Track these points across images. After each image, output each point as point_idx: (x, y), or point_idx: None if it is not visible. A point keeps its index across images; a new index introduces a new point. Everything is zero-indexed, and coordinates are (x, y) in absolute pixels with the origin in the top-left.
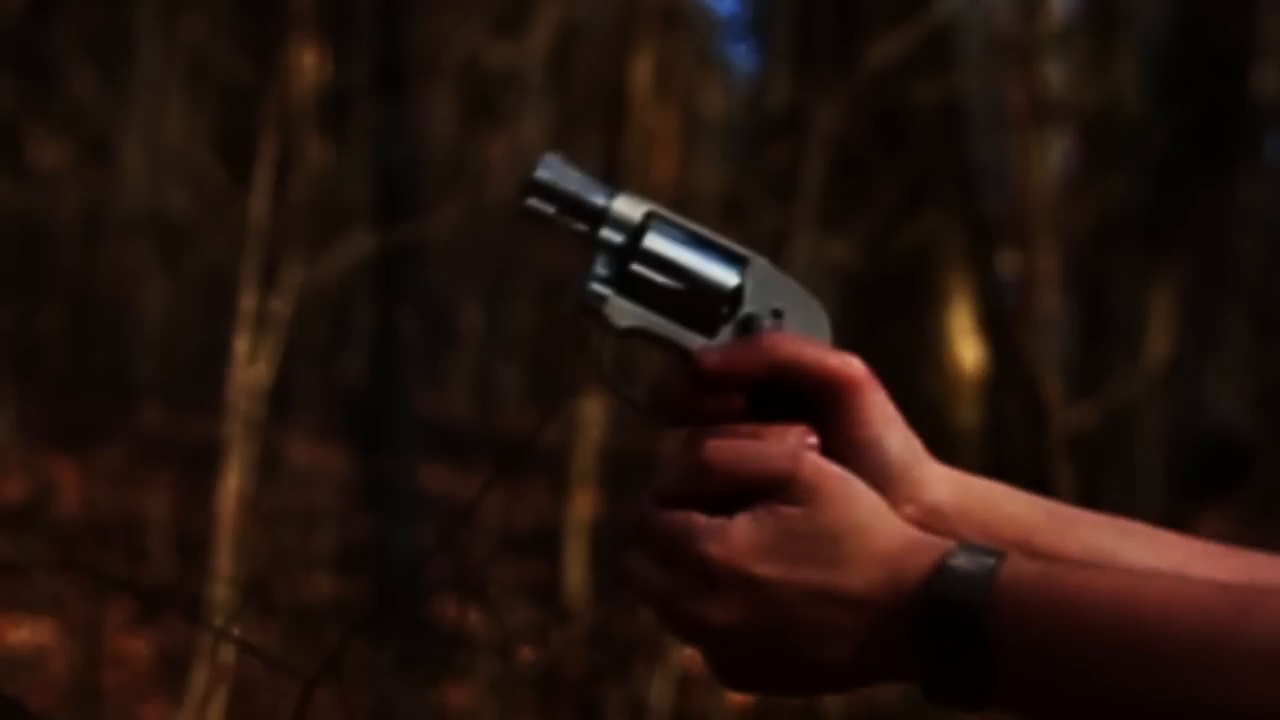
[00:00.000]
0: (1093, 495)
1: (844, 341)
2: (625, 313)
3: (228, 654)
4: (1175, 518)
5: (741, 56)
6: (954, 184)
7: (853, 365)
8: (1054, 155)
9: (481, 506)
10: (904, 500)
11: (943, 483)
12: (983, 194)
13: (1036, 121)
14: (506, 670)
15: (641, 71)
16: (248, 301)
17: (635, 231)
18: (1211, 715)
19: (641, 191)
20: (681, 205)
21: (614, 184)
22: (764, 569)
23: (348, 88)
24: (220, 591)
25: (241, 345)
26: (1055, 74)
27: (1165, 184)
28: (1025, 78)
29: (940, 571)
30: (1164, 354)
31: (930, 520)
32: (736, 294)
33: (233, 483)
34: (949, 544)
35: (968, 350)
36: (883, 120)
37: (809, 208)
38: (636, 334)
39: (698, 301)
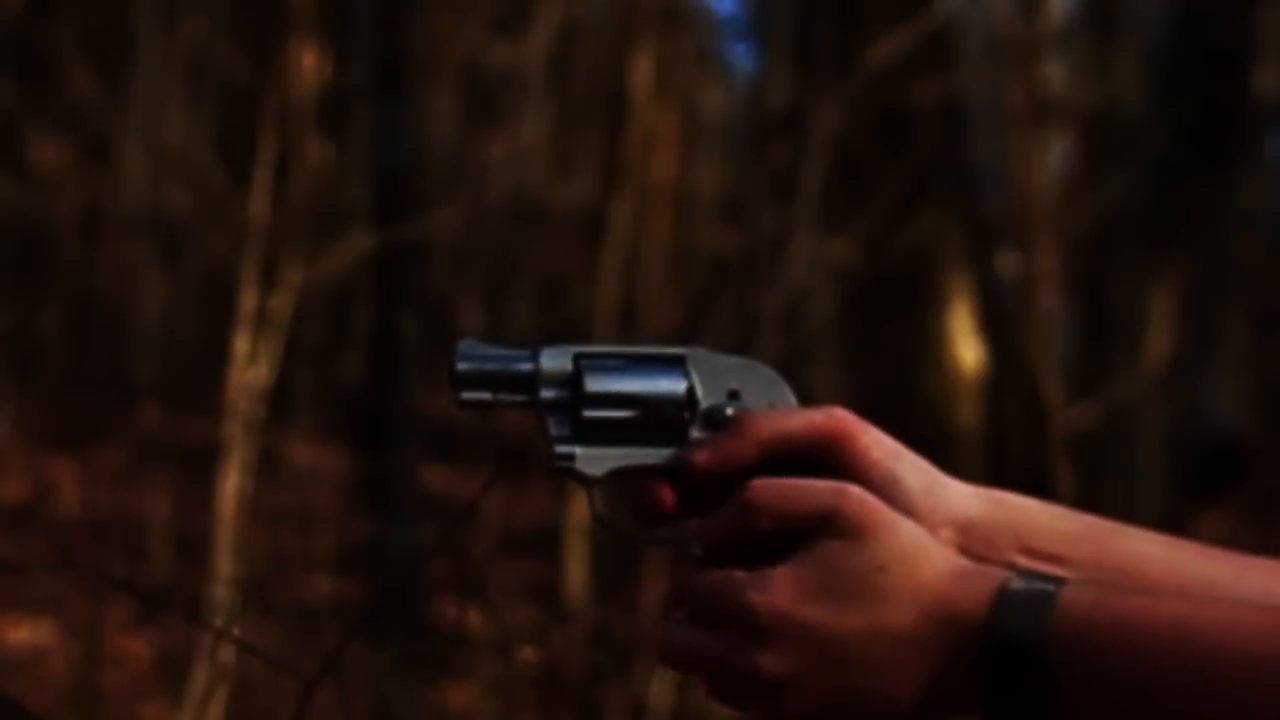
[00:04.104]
0: (1093, 495)
1: (844, 341)
2: (597, 460)
3: (228, 654)
4: (1175, 518)
5: (741, 56)
6: (954, 184)
7: (839, 415)
8: (1054, 155)
9: (481, 506)
10: (937, 525)
11: (968, 498)
12: (983, 194)
13: (1036, 121)
14: (506, 670)
15: (641, 71)
16: (248, 301)
17: (572, 380)
18: None
19: (639, 193)
20: (681, 205)
21: (531, 346)
22: (811, 613)
23: (348, 88)
24: (220, 591)
25: (241, 345)
26: (1055, 74)
27: (1165, 184)
28: (1025, 78)
29: (999, 604)
30: (1164, 354)
31: (965, 538)
32: (690, 395)
33: (233, 483)
34: (1001, 573)
35: (968, 350)
36: (883, 120)
37: (809, 208)
38: (617, 475)
39: (657, 419)
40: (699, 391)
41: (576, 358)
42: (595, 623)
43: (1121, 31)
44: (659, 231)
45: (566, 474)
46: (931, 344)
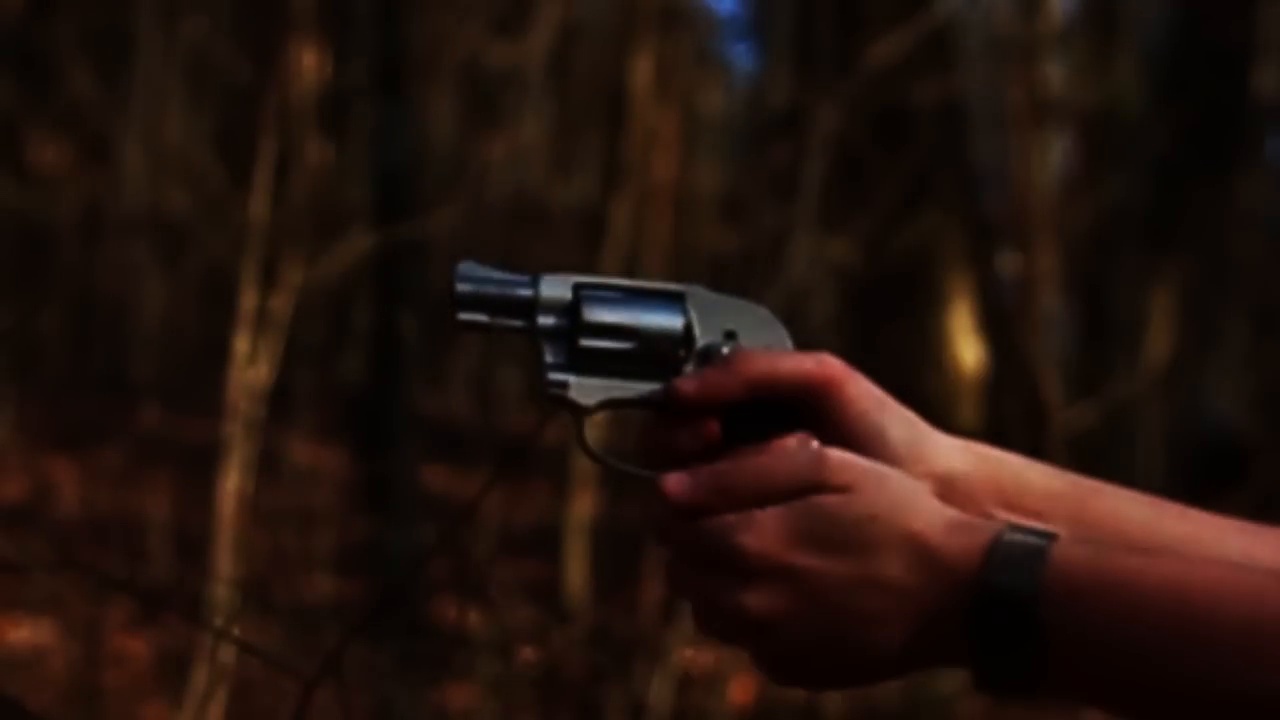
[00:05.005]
0: None
1: (844, 341)
2: (590, 390)
3: (228, 654)
4: None
5: (741, 56)
6: (954, 184)
7: (829, 363)
8: (1054, 155)
9: (481, 506)
10: (919, 477)
11: (954, 451)
12: (983, 194)
13: (1036, 121)
14: (506, 670)
15: (641, 71)
16: (248, 301)
17: (570, 309)
18: (1263, 702)
19: (639, 193)
20: (681, 205)
21: (531, 271)
22: (800, 557)
23: (348, 88)
24: (220, 591)
25: (241, 345)
26: (1055, 74)
27: (1165, 184)
28: (1025, 78)
29: (991, 556)
30: (1164, 354)
31: (947, 491)
32: (686, 332)
33: (233, 483)
34: (994, 525)
35: (968, 350)
36: (883, 120)
37: (809, 208)
38: (608, 406)
39: (653, 353)
40: (696, 329)
41: (576, 287)
42: (595, 623)
43: (1121, 31)
44: (659, 231)
45: (558, 402)
46: (931, 344)
